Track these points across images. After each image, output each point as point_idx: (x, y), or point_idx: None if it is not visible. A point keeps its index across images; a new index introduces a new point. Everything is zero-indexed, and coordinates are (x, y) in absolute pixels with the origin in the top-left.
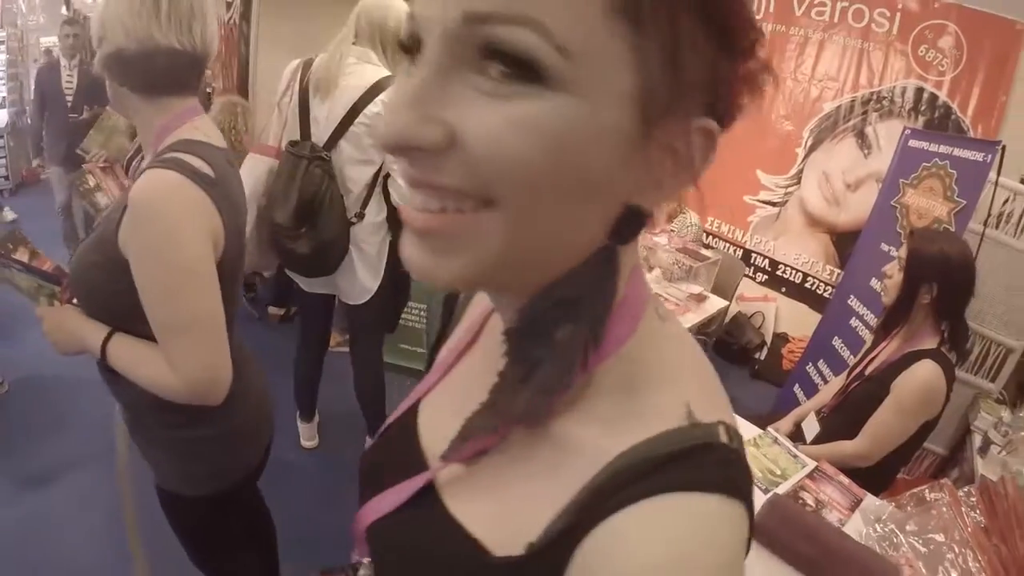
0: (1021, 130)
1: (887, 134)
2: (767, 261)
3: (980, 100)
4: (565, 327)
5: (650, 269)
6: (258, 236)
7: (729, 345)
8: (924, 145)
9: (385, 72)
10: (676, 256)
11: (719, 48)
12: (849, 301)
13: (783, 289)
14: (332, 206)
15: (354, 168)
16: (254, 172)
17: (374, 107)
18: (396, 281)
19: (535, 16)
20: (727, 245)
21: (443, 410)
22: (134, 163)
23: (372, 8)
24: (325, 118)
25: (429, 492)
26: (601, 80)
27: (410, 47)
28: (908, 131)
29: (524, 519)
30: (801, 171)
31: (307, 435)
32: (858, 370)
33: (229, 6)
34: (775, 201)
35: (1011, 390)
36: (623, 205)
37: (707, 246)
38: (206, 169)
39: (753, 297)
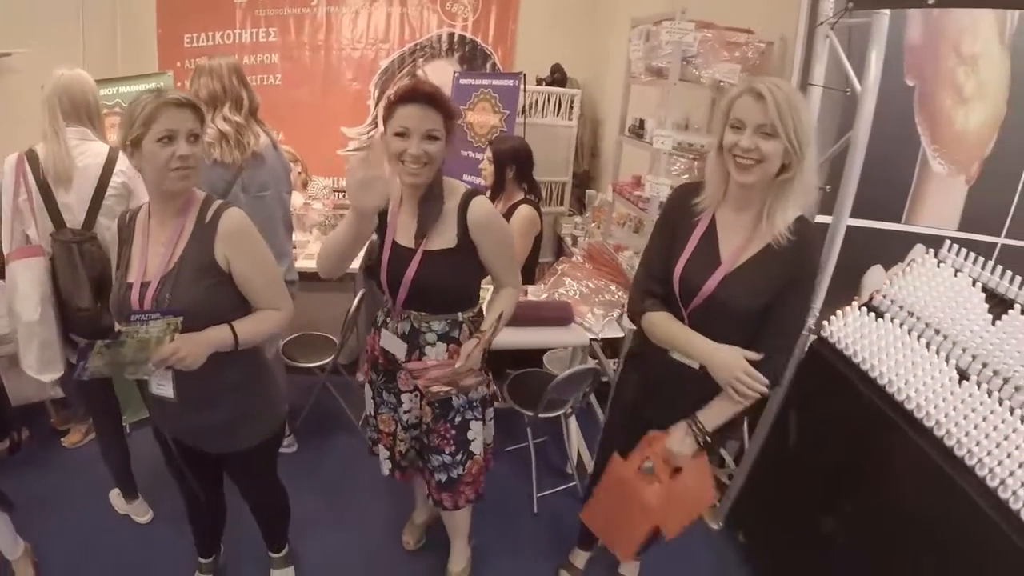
0: (527, 47)
1: (434, 72)
2: None
3: (496, 32)
4: (436, 190)
5: (309, 230)
6: (61, 332)
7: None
8: (471, 81)
9: (107, 145)
10: (324, 213)
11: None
12: None
13: None
14: None
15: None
16: (35, 274)
17: (117, 178)
18: None
19: (438, 129)
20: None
21: (404, 234)
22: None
23: (69, 87)
24: (76, 203)
25: (426, 255)
26: (443, 136)
27: (404, 134)
28: (457, 74)
29: (449, 235)
30: (376, 117)
31: (140, 511)
32: None
33: None
34: (362, 146)
35: (575, 205)
36: None
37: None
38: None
39: None
